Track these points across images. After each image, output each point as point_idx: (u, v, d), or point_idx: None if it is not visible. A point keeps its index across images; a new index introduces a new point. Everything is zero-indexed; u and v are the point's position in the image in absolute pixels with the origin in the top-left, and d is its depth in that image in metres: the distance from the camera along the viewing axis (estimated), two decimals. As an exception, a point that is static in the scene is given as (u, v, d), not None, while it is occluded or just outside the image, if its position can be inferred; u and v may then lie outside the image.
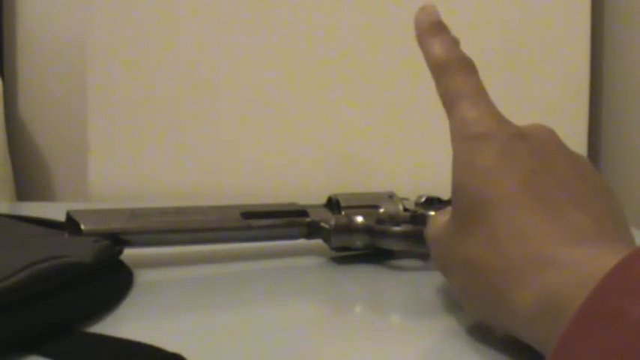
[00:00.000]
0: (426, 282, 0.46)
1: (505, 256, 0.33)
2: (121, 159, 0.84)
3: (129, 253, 0.46)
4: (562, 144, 0.38)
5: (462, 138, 0.37)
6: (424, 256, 0.50)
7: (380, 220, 0.51)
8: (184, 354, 0.32)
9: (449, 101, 0.39)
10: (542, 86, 0.84)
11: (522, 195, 0.34)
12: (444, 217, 0.39)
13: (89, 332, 0.36)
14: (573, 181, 0.35)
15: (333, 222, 0.50)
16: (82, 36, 0.86)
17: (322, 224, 0.51)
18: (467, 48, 0.92)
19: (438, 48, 0.41)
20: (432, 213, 0.47)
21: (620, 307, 0.24)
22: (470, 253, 0.35)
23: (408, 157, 0.83)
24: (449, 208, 0.38)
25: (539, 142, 0.36)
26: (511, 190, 0.34)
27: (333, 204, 0.53)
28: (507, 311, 0.32)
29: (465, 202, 0.36)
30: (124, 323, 0.39)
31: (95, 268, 0.40)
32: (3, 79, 0.96)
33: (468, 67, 0.40)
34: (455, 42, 0.41)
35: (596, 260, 0.29)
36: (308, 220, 0.52)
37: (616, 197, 0.36)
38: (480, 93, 0.39)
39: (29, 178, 1.00)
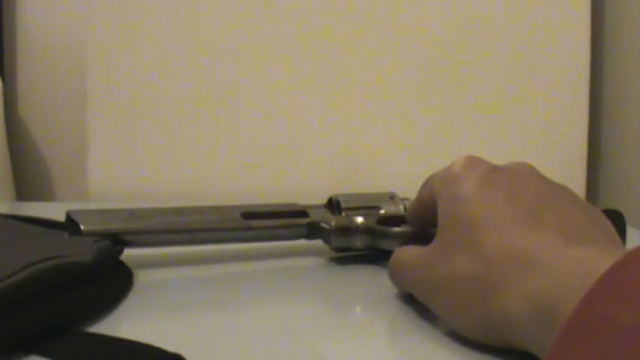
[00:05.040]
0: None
1: (495, 268, 0.33)
2: (121, 159, 0.84)
3: (129, 253, 0.46)
4: (541, 174, 0.39)
5: (448, 172, 0.39)
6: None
7: (380, 221, 0.51)
8: (184, 354, 0.32)
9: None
10: (542, 86, 0.84)
11: (506, 212, 0.35)
12: (417, 250, 0.40)
13: (89, 332, 0.36)
14: (556, 199, 0.36)
15: (333, 222, 0.50)
16: (82, 36, 0.86)
17: (322, 225, 0.51)
18: (468, 48, 0.92)
19: None
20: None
21: (612, 314, 0.24)
22: (458, 271, 0.35)
23: (409, 157, 0.83)
24: (415, 245, 0.40)
25: (515, 173, 0.38)
26: (494, 210, 0.35)
27: (333, 204, 0.53)
28: (501, 320, 0.32)
29: (451, 228, 0.37)
30: (124, 323, 0.39)
31: (95, 268, 0.40)
32: (3, 79, 0.96)
33: None
34: None
35: (587, 262, 0.29)
36: (308, 220, 0.52)
37: (604, 218, 0.37)
38: None
39: (29, 178, 1.00)
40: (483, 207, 0.35)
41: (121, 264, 0.45)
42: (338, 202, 0.53)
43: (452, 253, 0.36)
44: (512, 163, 0.39)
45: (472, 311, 0.34)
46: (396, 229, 0.49)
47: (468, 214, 0.36)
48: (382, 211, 0.52)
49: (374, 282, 0.48)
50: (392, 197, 0.53)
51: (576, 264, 0.29)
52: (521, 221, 0.34)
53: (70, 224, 0.46)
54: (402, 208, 0.52)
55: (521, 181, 0.37)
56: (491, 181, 0.37)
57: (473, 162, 0.39)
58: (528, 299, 0.30)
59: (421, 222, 0.46)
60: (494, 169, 0.38)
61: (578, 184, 0.82)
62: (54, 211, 0.51)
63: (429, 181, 0.42)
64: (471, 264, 0.34)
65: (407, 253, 0.41)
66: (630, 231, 0.48)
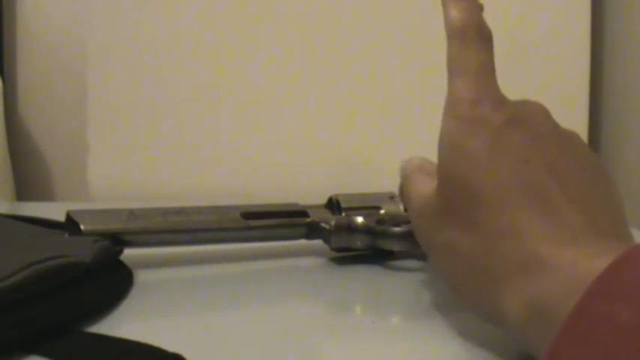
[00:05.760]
0: (426, 282, 0.46)
1: (493, 255, 0.32)
2: (121, 159, 0.84)
3: (129, 253, 0.46)
4: (555, 125, 0.37)
5: (454, 115, 0.36)
6: (425, 257, 0.49)
7: (380, 221, 0.51)
8: (184, 354, 0.32)
9: (451, 71, 0.38)
10: (542, 85, 0.84)
11: (513, 188, 0.33)
12: (427, 188, 0.38)
13: (89, 332, 0.36)
14: (567, 170, 0.34)
15: (333, 222, 0.50)
16: (82, 36, 0.86)
17: (322, 225, 0.51)
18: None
19: (457, 13, 0.39)
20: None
21: (610, 312, 0.24)
22: (456, 241, 0.34)
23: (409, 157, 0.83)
24: (429, 178, 0.38)
25: (532, 128, 0.35)
26: (501, 182, 0.33)
27: (333, 204, 0.53)
28: (498, 314, 0.32)
29: (451, 186, 0.35)
30: (124, 323, 0.39)
31: (95, 268, 0.40)
32: (3, 79, 0.95)
33: (481, 38, 0.39)
34: (477, 9, 0.40)
35: (586, 263, 0.28)
36: (308, 220, 0.52)
37: (611, 180, 0.35)
38: (485, 70, 0.38)
39: (29, 178, 1.00)
40: (491, 176, 0.33)
41: (121, 264, 0.45)
42: (338, 202, 0.53)
43: (456, 222, 0.34)
44: (532, 108, 0.37)
45: (467, 287, 0.34)
46: (396, 229, 0.49)
47: (471, 180, 0.34)
48: (382, 211, 0.52)
49: (374, 282, 0.48)
50: (392, 197, 0.53)
51: (577, 265, 0.29)
52: (528, 205, 0.32)
53: (70, 224, 0.46)
54: (402, 208, 0.52)
55: (536, 143, 0.34)
56: (504, 140, 0.34)
57: (493, 106, 0.35)
58: (525, 300, 0.30)
59: None
60: (512, 122, 0.35)
61: (578, 184, 0.82)
62: (54, 211, 0.51)
63: None
64: (474, 243, 0.33)
65: (419, 193, 0.39)
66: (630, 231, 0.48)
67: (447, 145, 0.36)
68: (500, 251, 0.32)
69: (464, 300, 0.35)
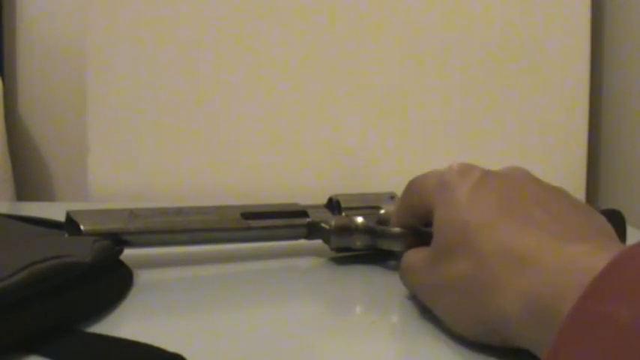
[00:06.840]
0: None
1: (490, 269, 0.33)
2: (121, 159, 0.84)
3: (129, 253, 0.46)
4: (536, 178, 0.39)
5: (439, 184, 0.39)
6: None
7: (380, 221, 0.51)
8: (184, 354, 0.32)
9: None
10: (542, 87, 0.84)
11: (500, 215, 0.35)
12: (421, 253, 0.40)
13: (89, 332, 0.36)
14: (551, 201, 0.36)
15: (333, 222, 0.50)
16: (82, 36, 0.86)
17: (322, 225, 0.51)
18: (467, 48, 0.92)
19: None
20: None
21: (611, 311, 0.24)
22: (455, 272, 0.35)
23: (409, 157, 0.83)
24: (421, 248, 0.40)
25: (509, 177, 0.38)
26: (487, 213, 0.35)
27: (333, 204, 0.53)
28: (498, 319, 0.32)
29: (447, 233, 0.37)
30: (124, 323, 0.39)
31: (95, 268, 0.40)
32: (3, 79, 0.95)
33: None
34: None
35: (580, 260, 0.29)
36: (308, 220, 0.52)
37: (601, 217, 0.37)
38: None
39: (29, 178, 1.00)
40: (477, 210, 0.36)
41: (121, 264, 0.45)
42: (338, 202, 0.53)
43: (448, 257, 0.36)
44: (507, 167, 0.40)
45: (470, 311, 0.34)
46: (396, 229, 0.49)
47: (462, 218, 0.36)
48: (382, 211, 0.52)
49: (374, 282, 0.48)
50: (392, 197, 0.53)
51: (570, 262, 0.30)
52: (515, 222, 0.34)
53: (70, 224, 0.46)
54: (402, 208, 0.52)
55: (514, 185, 0.38)
56: (484, 186, 0.37)
57: (466, 168, 0.39)
58: (523, 298, 0.31)
59: (407, 226, 0.46)
60: (488, 174, 0.38)
61: (578, 185, 0.82)
62: (54, 211, 0.51)
63: (413, 187, 0.43)
64: (467, 266, 0.35)
65: (411, 257, 0.42)
66: (630, 231, 0.48)
67: (439, 206, 0.39)
68: (497, 263, 0.33)
69: (465, 326, 0.35)
